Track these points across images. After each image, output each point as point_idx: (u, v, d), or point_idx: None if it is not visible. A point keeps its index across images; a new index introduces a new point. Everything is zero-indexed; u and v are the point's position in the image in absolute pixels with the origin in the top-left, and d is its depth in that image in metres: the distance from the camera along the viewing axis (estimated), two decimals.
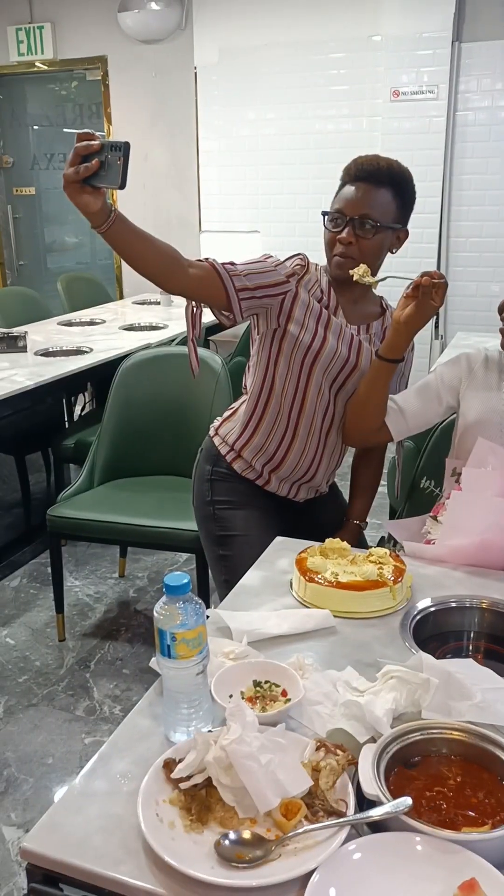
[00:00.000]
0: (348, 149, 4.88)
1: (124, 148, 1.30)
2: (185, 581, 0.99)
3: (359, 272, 1.66)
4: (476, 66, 4.42)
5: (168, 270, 1.55)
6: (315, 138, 4.84)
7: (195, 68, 5.04)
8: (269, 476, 1.84)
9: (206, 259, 1.62)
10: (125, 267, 5.66)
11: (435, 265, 4.64)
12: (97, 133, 1.35)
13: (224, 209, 5.23)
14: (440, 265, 4.68)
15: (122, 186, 1.32)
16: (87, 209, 1.37)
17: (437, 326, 4.81)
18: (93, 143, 1.32)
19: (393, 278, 1.67)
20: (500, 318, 1.59)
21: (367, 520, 1.98)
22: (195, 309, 1.65)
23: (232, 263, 1.64)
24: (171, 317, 4.34)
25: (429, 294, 1.53)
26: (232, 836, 0.86)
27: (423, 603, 1.38)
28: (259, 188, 5.08)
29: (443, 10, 4.33)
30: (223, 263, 1.63)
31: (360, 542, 1.91)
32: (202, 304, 1.65)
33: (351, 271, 1.67)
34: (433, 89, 4.46)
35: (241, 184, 5.13)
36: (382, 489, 2.28)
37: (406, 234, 1.76)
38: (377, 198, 1.67)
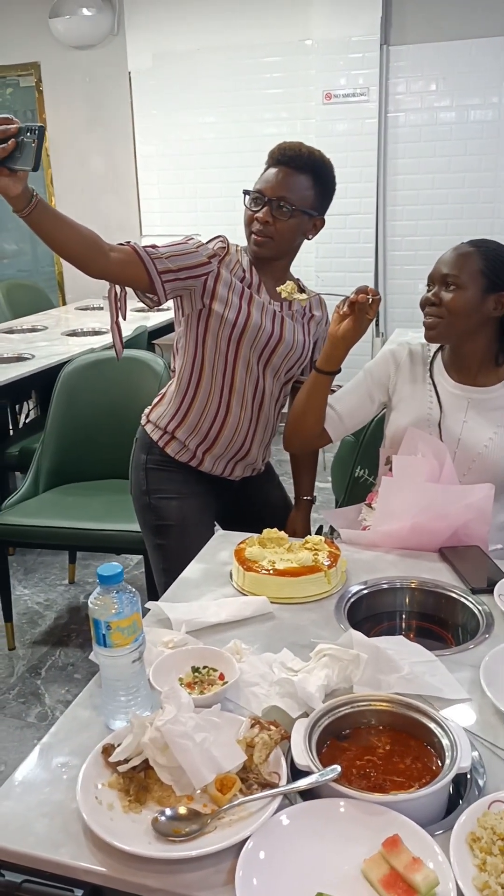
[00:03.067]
0: None
1: (39, 130, 1.32)
2: (119, 571, 1.02)
3: (287, 290, 1.72)
4: (405, 68, 4.53)
5: (90, 254, 1.58)
6: (252, 141, 4.88)
7: (129, 73, 5.05)
8: (203, 456, 1.88)
9: (128, 242, 1.65)
10: (67, 273, 5.64)
11: (372, 264, 4.74)
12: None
13: (164, 213, 5.25)
14: (377, 264, 4.77)
15: (36, 168, 1.34)
16: (6, 193, 1.39)
17: (377, 324, 4.91)
18: (10, 126, 1.34)
19: (329, 295, 1.72)
20: (423, 312, 1.65)
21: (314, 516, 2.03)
22: (119, 292, 1.68)
23: (154, 246, 1.68)
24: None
25: (364, 310, 1.58)
26: (168, 812, 0.89)
27: (357, 586, 1.43)
28: (198, 191, 5.11)
29: (370, 15, 4.42)
30: (145, 247, 1.66)
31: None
32: (125, 288, 1.69)
33: (278, 289, 1.73)
34: (364, 92, 4.55)
35: (181, 187, 5.15)
36: (328, 485, 2.34)
37: (322, 222, 1.82)
38: (296, 182, 1.73)
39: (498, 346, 1.66)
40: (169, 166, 5.13)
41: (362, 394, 1.79)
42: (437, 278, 1.62)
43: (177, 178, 5.14)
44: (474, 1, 4.32)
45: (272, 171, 1.75)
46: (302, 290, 1.78)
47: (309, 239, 1.83)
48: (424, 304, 1.64)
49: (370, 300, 1.57)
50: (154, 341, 4.42)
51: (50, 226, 1.50)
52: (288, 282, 1.74)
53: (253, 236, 1.76)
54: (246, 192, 1.77)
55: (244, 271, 1.80)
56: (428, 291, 1.63)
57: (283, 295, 1.71)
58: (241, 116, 4.88)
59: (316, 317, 1.91)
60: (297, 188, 1.73)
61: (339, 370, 1.71)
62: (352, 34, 4.48)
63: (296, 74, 4.69)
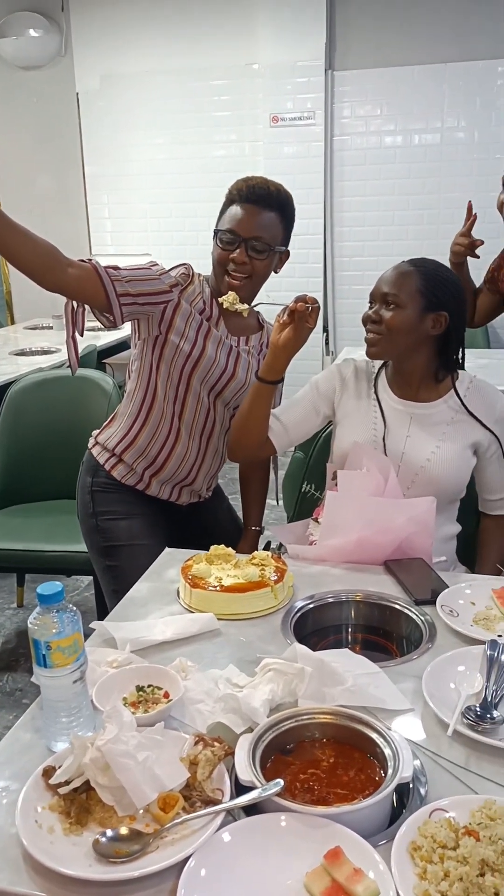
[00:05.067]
0: (233, 173, 4.96)
1: None
2: (59, 590, 1.01)
3: (229, 300, 1.72)
4: (350, 93, 4.64)
5: (46, 266, 1.55)
6: (201, 162, 4.94)
7: (77, 94, 5.06)
8: (150, 480, 1.87)
9: (90, 260, 1.63)
10: (16, 292, 5.58)
11: (321, 284, 4.81)
12: None
13: (115, 233, 5.26)
14: (326, 284, 4.85)
15: None
16: None
17: (327, 343, 4.98)
18: None
19: (265, 305, 1.74)
20: (366, 329, 1.68)
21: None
22: (76, 306, 1.66)
23: (115, 268, 1.67)
24: (64, 340, 4.31)
25: (304, 318, 1.59)
26: (109, 833, 0.88)
27: (304, 600, 1.44)
28: (148, 211, 5.13)
29: (315, 40, 4.53)
30: (106, 267, 1.64)
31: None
32: (83, 304, 1.67)
33: (220, 299, 1.73)
34: (311, 115, 4.64)
35: (131, 207, 5.17)
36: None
37: (288, 254, 1.83)
38: (267, 220, 1.74)
39: (437, 363, 1.70)
40: (119, 186, 5.15)
41: (308, 407, 1.80)
42: (378, 297, 1.65)
43: (127, 199, 5.16)
44: (416, 28, 4.46)
45: (240, 209, 1.73)
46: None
47: (276, 272, 1.83)
48: (366, 321, 1.67)
49: (309, 308, 1.58)
50: (105, 360, 4.40)
51: (4, 234, 1.48)
52: (230, 292, 1.74)
53: (228, 277, 1.74)
54: (216, 232, 1.77)
55: (204, 303, 1.80)
56: (370, 309, 1.67)
57: (225, 305, 1.72)
58: (190, 138, 4.93)
59: None
60: (269, 226, 1.74)
61: (282, 379, 1.72)
62: (297, 59, 4.57)
63: (243, 97, 4.77)
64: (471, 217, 2.05)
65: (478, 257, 2.01)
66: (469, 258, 2.11)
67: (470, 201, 1.82)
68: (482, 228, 2.07)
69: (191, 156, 4.96)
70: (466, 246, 2.03)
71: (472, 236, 2.03)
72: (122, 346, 4.47)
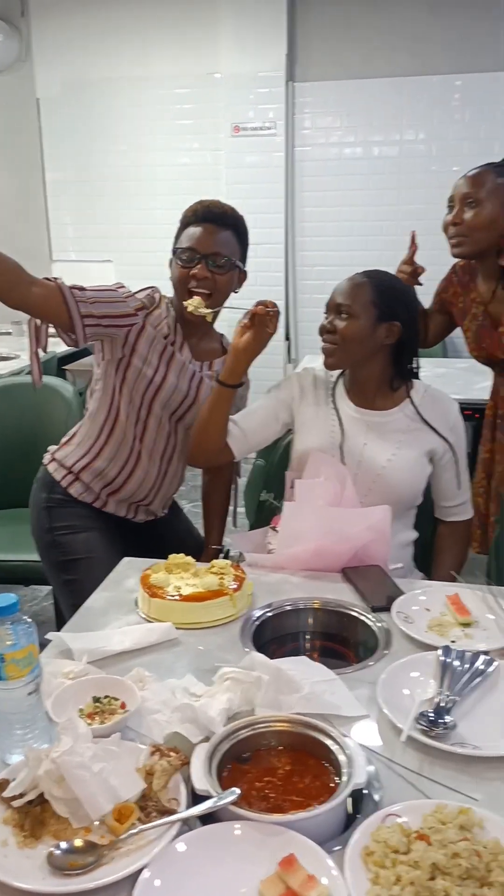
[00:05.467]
0: (196, 180, 5.05)
1: None
2: (13, 601, 1.00)
3: (193, 304, 1.73)
4: (309, 104, 4.69)
5: (9, 284, 1.54)
6: (163, 170, 4.95)
7: (38, 100, 5.03)
8: (107, 499, 1.87)
9: (55, 279, 1.63)
10: None
11: (283, 292, 4.85)
12: None
13: (76, 238, 5.24)
14: (287, 293, 4.89)
15: None
16: None
17: (289, 351, 5.02)
18: None
19: (227, 308, 1.75)
20: (321, 339, 1.70)
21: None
22: (38, 324, 1.66)
23: (81, 288, 1.66)
24: (24, 347, 4.26)
25: (264, 322, 1.62)
26: (63, 845, 0.87)
27: (262, 609, 1.45)
28: (110, 218, 5.12)
29: (276, 51, 4.57)
30: (71, 287, 1.64)
31: None
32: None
33: (185, 303, 1.74)
34: (272, 125, 4.68)
35: (92, 214, 5.15)
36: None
37: (245, 275, 1.86)
38: (225, 238, 1.77)
39: (392, 371, 1.73)
40: (81, 193, 5.13)
41: (267, 413, 1.82)
42: (332, 307, 1.68)
43: (89, 205, 5.14)
44: (375, 42, 4.53)
45: (198, 228, 1.76)
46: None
47: (236, 292, 1.85)
48: (321, 331, 1.70)
49: (269, 312, 1.60)
50: (65, 367, 4.37)
51: None
52: (195, 297, 1.75)
53: (192, 293, 1.75)
54: (175, 250, 1.78)
55: (168, 328, 1.81)
56: (325, 320, 1.69)
57: (190, 309, 1.73)
58: (153, 145, 4.94)
59: None
60: (227, 243, 1.77)
61: (242, 383, 1.74)
62: (258, 69, 4.61)
63: (205, 106, 4.79)
64: (413, 246, 2.09)
65: (420, 284, 2.05)
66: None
67: (413, 231, 1.87)
68: (437, 246, 2.10)
69: (153, 163, 4.96)
70: (409, 273, 2.08)
71: (416, 263, 2.07)
72: (83, 352, 4.44)
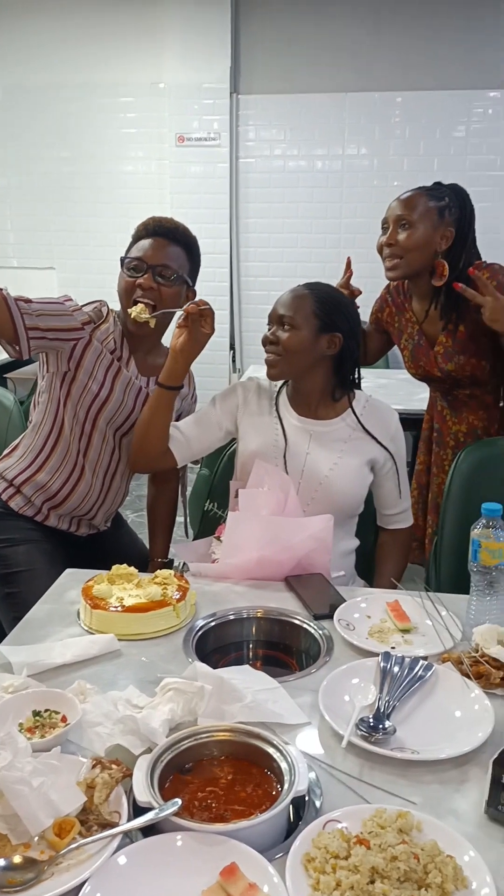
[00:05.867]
0: (140, 189, 5.03)
1: None
2: None
3: (136, 310, 1.73)
4: (253, 116, 4.74)
5: None
6: (107, 177, 4.93)
7: None
8: (49, 512, 1.86)
9: (1, 290, 1.61)
10: None
11: (227, 302, 4.87)
12: None
13: (18, 245, 5.16)
14: (232, 303, 4.91)
15: None
16: None
17: (234, 361, 5.04)
18: None
19: (164, 312, 1.75)
20: (264, 350, 1.72)
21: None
22: None
23: (27, 300, 1.65)
24: None
25: (198, 322, 1.62)
26: (2, 862, 0.86)
27: (205, 618, 1.45)
28: (53, 225, 5.07)
29: (220, 64, 4.60)
30: (16, 298, 1.62)
31: None
32: None
33: (129, 310, 1.73)
34: (216, 136, 4.71)
35: (35, 220, 5.09)
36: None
37: (194, 293, 1.86)
38: (174, 252, 1.78)
39: (334, 382, 1.76)
40: (23, 199, 5.07)
41: (211, 421, 1.83)
42: (275, 318, 1.70)
43: (31, 212, 5.08)
44: (317, 57, 4.61)
45: (148, 241, 1.77)
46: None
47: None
48: (265, 342, 1.71)
49: (201, 310, 1.61)
50: (6, 375, 4.30)
51: None
52: (138, 304, 1.74)
53: (136, 302, 1.74)
54: (123, 259, 1.78)
55: (115, 343, 1.80)
56: (268, 331, 1.71)
57: (133, 315, 1.72)
58: (96, 153, 4.91)
59: (182, 392, 1.94)
60: (176, 257, 1.77)
61: (182, 385, 1.74)
62: (203, 81, 4.64)
63: (150, 115, 4.79)
64: (349, 272, 2.13)
65: (357, 307, 2.08)
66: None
67: (349, 257, 1.91)
68: (378, 260, 2.14)
69: (97, 171, 4.93)
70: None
71: (352, 286, 2.11)
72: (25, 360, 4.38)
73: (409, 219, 1.89)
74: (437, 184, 2.00)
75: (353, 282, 2.13)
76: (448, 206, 1.91)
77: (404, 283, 2.09)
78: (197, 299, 1.65)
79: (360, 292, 2.01)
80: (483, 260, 1.97)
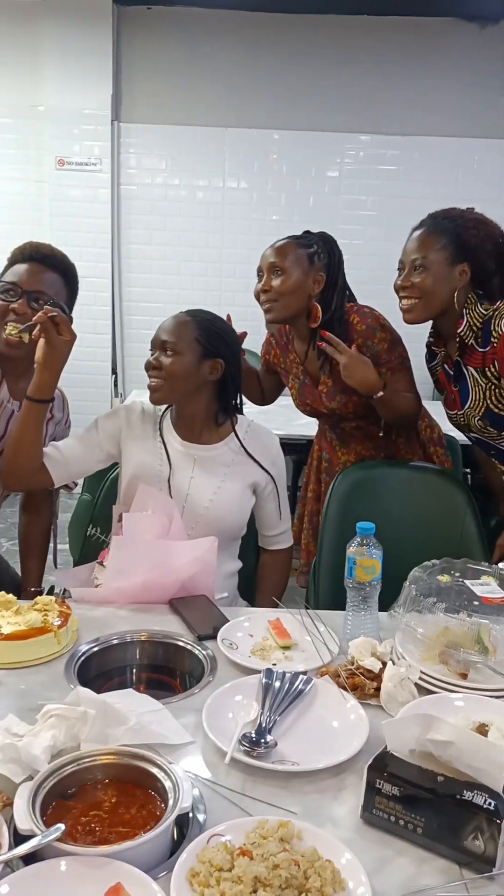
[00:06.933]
0: (18, 210, 4.93)
1: None
2: None
3: (9, 329, 1.70)
4: (134, 144, 4.78)
5: None
6: None
7: None
8: None
9: None
10: None
11: (109, 326, 4.85)
12: None
13: None
14: (114, 327, 4.90)
15: None
16: None
17: (116, 385, 5.01)
18: None
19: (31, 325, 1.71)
20: (148, 375, 1.74)
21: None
22: None
23: None
24: None
25: (52, 330, 1.60)
26: None
27: (88, 644, 1.44)
28: None
29: (101, 91, 4.62)
30: None
31: None
32: None
33: (5, 333, 1.70)
34: (98, 162, 4.71)
35: None
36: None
37: (71, 319, 1.83)
38: (50, 278, 1.77)
39: (217, 407, 1.80)
40: None
41: (92, 442, 1.81)
42: (158, 344, 1.73)
43: None
44: (197, 91, 4.72)
45: (24, 266, 1.75)
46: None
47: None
48: (148, 367, 1.73)
49: (50, 317, 1.59)
50: None
51: None
52: (10, 323, 1.71)
53: (7, 329, 1.70)
54: None
55: None
56: (151, 356, 1.73)
57: (6, 334, 1.69)
58: None
59: (56, 417, 1.91)
60: (52, 284, 1.77)
61: (52, 399, 1.70)
62: (84, 107, 4.64)
63: (28, 138, 4.73)
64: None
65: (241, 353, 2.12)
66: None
67: (228, 314, 1.93)
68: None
69: None
70: None
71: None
72: None
73: (281, 266, 1.97)
74: (307, 232, 2.10)
75: (237, 311, 2.17)
76: (317, 253, 2.01)
77: (285, 325, 2.16)
78: (45, 307, 1.63)
79: (245, 334, 2.03)
80: (354, 302, 2.08)
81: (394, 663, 1.31)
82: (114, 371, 4.98)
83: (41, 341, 1.61)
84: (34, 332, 1.62)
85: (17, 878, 0.86)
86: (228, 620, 1.52)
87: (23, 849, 0.88)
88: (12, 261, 1.79)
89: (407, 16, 4.55)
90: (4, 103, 4.70)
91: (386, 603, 1.47)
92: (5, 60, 4.65)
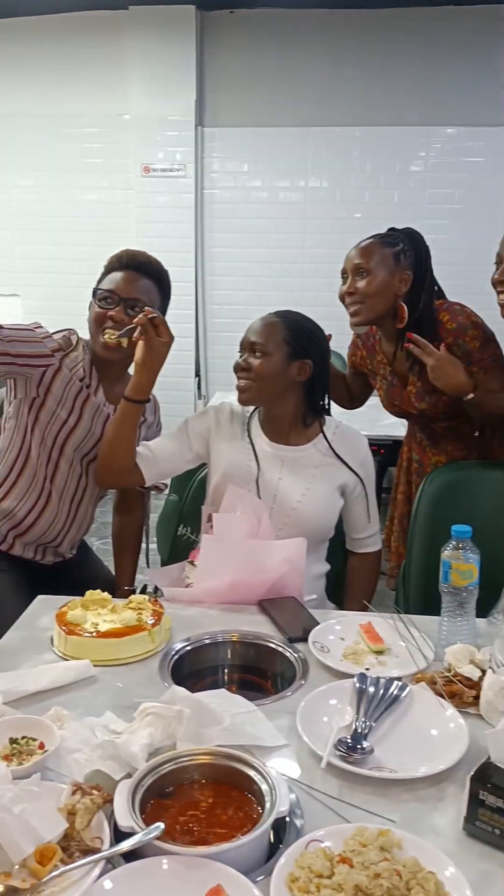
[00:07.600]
0: (106, 218, 5.06)
1: None
2: None
3: (108, 333, 1.74)
4: (218, 149, 4.82)
5: None
6: (72, 206, 4.95)
7: None
8: (14, 541, 1.85)
9: None
10: None
11: (193, 329, 4.91)
12: None
13: None
14: (198, 330, 4.96)
15: None
16: None
17: (199, 387, 5.06)
18: None
19: (130, 328, 1.74)
20: (236, 376, 1.75)
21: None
22: None
23: None
24: None
25: (151, 331, 1.63)
26: None
27: (181, 643, 1.45)
28: (17, 252, 5.06)
29: (185, 97, 4.69)
30: None
31: None
32: None
33: (103, 337, 1.74)
34: (181, 167, 4.78)
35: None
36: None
37: None
38: (146, 286, 1.80)
39: (305, 408, 1.79)
40: None
41: (182, 442, 1.83)
42: (246, 345, 1.73)
43: None
44: (281, 93, 4.73)
45: (120, 274, 1.79)
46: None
47: None
48: (236, 369, 1.74)
49: (150, 319, 1.61)
50: None
51: None
52: (109, 329, 1.75)
53: (105, 334, 1.75)
54: (96, 291, 1.80)
55: (84, 371, 1.81)
56: (240, 357, 1.74)
57: (105, 338, 1.73)
58: (61, 182, 4.94)
59: (148, 420, 1.95)
60: (147, 291, 1.80)
61: (149, 399, 1.75)
62: (168, 113, 4.72)
63: (115, 146, 4.84)
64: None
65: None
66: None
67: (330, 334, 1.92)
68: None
69: (61, 199, 4.96)
70: None
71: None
72: None
73: (366, 266, 1.93)
74: (392, 229, 2.04)
75: (320, 311, 2.15)
76: (403, 251, 1.96)
77: (372, 326, 2.13)
78: (145, 309, 1.65)
79: (330, 336, 2.01)
80: (445, 299, 2.02)
81: (493, 671, 1.27)
82: (197, 373, 5.04)
83: (140, 343, 1.64)
84: (134, 336, 1.65)
85: (119, 875, 0.87)
86: (318, 623, 1.51)
87: (124, 845, 0.89)
88: (109, 268, 1.83)
89: (491, 4, 4.42)
90: (92, 113, 4.83)
91: (480, 609, 1.42)
92: (92, 72, 4.78)
